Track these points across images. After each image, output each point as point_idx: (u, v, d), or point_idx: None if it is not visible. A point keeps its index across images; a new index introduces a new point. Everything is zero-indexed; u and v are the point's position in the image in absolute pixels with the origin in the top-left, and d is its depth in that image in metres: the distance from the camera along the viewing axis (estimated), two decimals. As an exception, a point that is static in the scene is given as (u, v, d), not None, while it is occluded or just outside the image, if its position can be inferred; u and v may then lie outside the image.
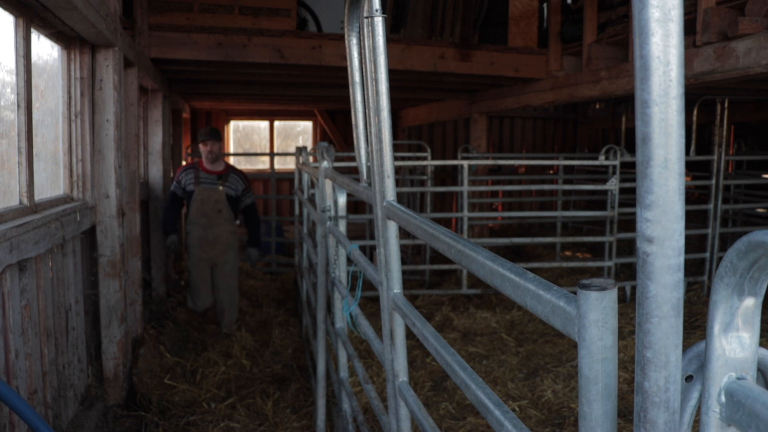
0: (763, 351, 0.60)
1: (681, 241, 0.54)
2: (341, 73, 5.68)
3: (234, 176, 4.95)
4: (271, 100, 9.39)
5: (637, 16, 0.49)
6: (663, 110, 0.50)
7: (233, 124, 10.77)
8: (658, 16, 0.49)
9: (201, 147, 4.86)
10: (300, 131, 11.26)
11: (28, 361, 2.42)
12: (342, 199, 2.64)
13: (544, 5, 6.54)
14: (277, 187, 9.86)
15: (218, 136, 4.87)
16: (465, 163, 5.74)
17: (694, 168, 7.43)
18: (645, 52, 0.49)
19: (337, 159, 7.30)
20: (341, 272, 2.61)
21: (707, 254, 5.86)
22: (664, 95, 0.50)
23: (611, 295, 0.64)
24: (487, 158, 7.70)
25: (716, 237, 5.86)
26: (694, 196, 8.60)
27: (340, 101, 9.13)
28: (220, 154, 4.91)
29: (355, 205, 9.80)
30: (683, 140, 0.51)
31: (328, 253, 2.74)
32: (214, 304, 5.08)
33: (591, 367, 0.65)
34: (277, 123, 11.00)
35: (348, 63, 1.62)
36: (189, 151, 8.76)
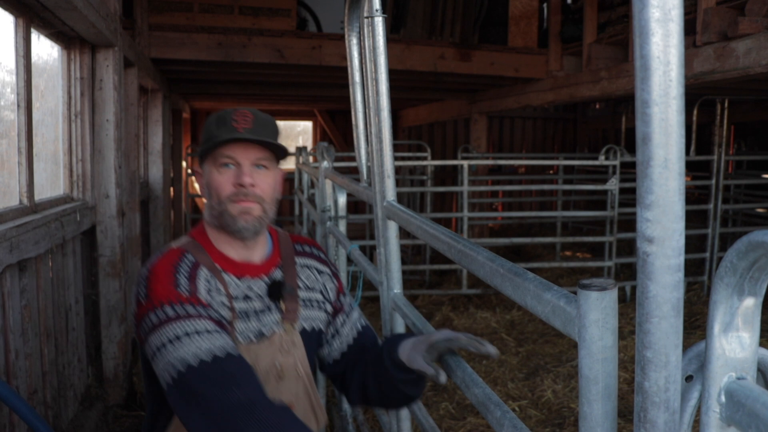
0: (763, 351, 0.60)
1: (681, 241, 0.54)
2: (341, 73, 5.68)
3: (307, 264, 1.52)
4: (271, 100, 9.39)
5: (638, 16, 0.49)
6: (663, 110, 0.50)
7: (233, 124, 10.76)
8: (658, 16, 0.49)
9: (216, 176, 1.34)
10: (300, 131, 11.26)
11: (28, 361, 2.42)
12: (342, 199, 2.64)
13: (544, 5, 6.55)
14: (277, 187, 9.86)
15: (271, 138, 1.36)
16: (465, 163, 5.74)
17: (694, 168, 7.42)
18: (645, 52, 0.49)
19: (337, 159, 7.30)
20: (341, 272, 2.61)
21: (707, 254, 5.85)
22: (665, 95, 0.50)
23: (611, 295, 0.64)
24: (487, 158, 7.70)
25: (716, 237, 5.86)
26: (694, 196, 8.59)
27: (340, 101, 9.13)
28: (275, 204, 1.40)
29: (355, 205, 9.80)
30: (683, 140, 0.51)
31: (328, 253, 2.74)
32: None
33: (591, 367, 0.65)
34: (277, 123, 10.99)
35: (348, 63, 1.62)
36: (189, 150, 8.76)
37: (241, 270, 1.38)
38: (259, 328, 1.35)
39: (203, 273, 1.31)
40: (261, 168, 1.35)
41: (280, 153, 1.39)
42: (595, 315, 0.64)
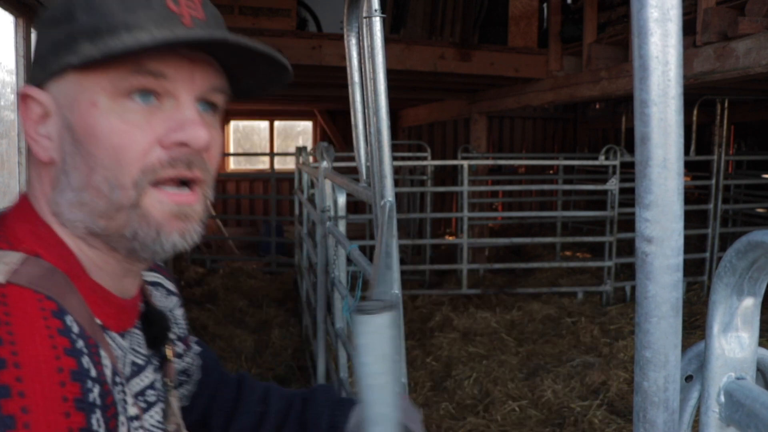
0: (762, 351, 0.61)
1: (680, 241, 0.54)
2: (341, 73, 5.67)
3: (154, 280, 0.88)
4: (271, 100, 9.40)
5: (636, 16, 0.49)
6: (662, 110, 0.50)
7: (233, 124, 10.78)
8: (656, 16, 0.49)
9: (113, 119, 0.62)
10: (300, 131, 11.26)
11: None
12: (342, 199, 2.65)
13: (544, 5, 6.55)
14: (277, 187, 9.86)
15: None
16: (465, 163, 5.75)
17: (694, 168, 7.41)
18: (643, 52, 0.49)
19: (337, 159, 7.29)
20: (341, 272, 2.61)
21: (707, 254, 5.86)
22: (663, 95, 0.50)
23: (380, 320, 0.60)
24: (487, 158, 7.70)
25: (716, 237, 5.86)
26: (694, 196, 8.59)
27: (340, 101, 9.14)
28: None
29: (355, 205, 9.81)
30: (682, 140, 0.51)
31: (328, 253, 2.74)
32: None
33: (361, 391, 0.61)
34: (277, 123, 11.00)
35: (347, 63, 1.62)
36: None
37: (124, 318, 0.70)
38: (161, 410, 0.76)
39: (104, 356, 0.59)
40: (209, 110, 0.69)
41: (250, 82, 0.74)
42: (364, 339, 0.60)
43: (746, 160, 7.71)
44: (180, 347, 0.91)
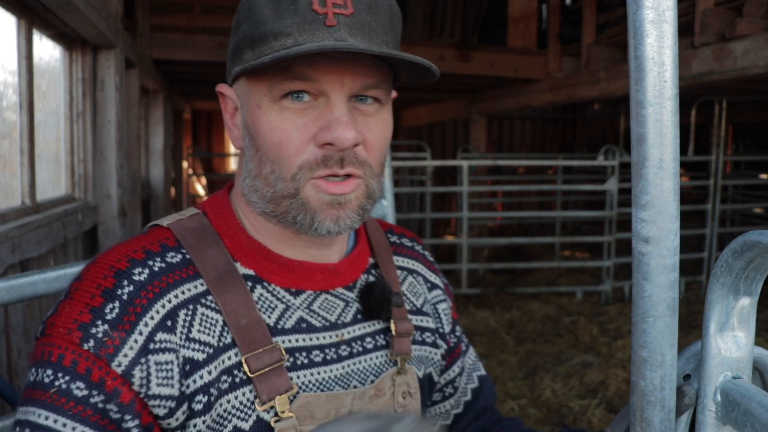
0: (759, 350, 0.61)
1: (676, 241, 0.54)
2: (341, 74, 5.68)
3: (410, 267, 0.93)
4: (271, 101, 9.39)
5: (632, 17, 0.49)
6: (658, 111, 0.51)
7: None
8: (652, 18, 0.49)
9: (274, 118, 0.70)
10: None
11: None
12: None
13: (543, 6, 6.55)
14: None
15: (389, 36, 0.77)
16: (465, 163, 5.75)
17: (692, 168, 7.42)
18: (640, 54, 0.50)
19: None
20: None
21: (705, 254, 5.87)
22: (659, 96, 0.50)
23: None
24: (487, 158, 7.70)
25: (714, 237, 5.87)
26: (692, 196, 8.59)
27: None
28: (382, 174, 0.78)
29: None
30: (678, 141, 0.52)
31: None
32: None
33: None
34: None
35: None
36: (190, 151, 8.75)
37: (301, 277, 0.77)
38: (344, 371, 0.78)
39: (186, 306, 0.69)
40: (368, 102, 0.71)
41: (415, 71, 0.75)
42: None
43: (744, 161, 7.71)
44: (430, 337, 0.90)
